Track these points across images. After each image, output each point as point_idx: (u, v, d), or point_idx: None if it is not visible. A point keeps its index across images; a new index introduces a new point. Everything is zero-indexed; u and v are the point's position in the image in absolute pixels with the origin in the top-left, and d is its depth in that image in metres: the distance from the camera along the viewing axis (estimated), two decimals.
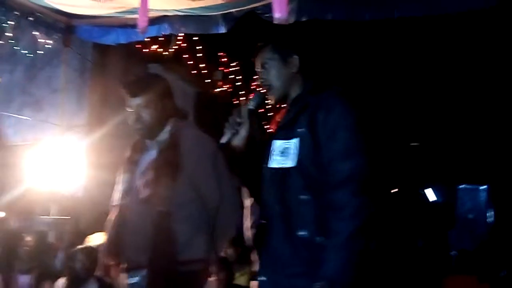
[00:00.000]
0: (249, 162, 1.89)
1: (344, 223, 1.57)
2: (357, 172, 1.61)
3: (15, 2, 4.35)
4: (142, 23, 3.19)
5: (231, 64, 8.20)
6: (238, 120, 1.84)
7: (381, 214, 1.75)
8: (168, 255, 2.04)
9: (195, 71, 7.42)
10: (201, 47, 7.32)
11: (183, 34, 5.62)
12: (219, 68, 8.13)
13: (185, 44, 6.96)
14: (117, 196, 2.26)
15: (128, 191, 2.21)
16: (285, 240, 1.70)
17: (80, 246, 4.67)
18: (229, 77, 8.25)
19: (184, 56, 7.15)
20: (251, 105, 1.87)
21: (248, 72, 8.35)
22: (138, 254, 2.09)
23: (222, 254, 4.83)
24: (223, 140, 1.86)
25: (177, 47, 6.78)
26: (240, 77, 8.35)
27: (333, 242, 1.58)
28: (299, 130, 1.72)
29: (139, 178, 2.17)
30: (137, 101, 2.17)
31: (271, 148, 1.80)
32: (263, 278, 1.80)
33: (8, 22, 4.36)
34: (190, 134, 2.21)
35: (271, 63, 1.84)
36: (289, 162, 1.71)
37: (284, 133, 1.78)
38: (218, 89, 8.15)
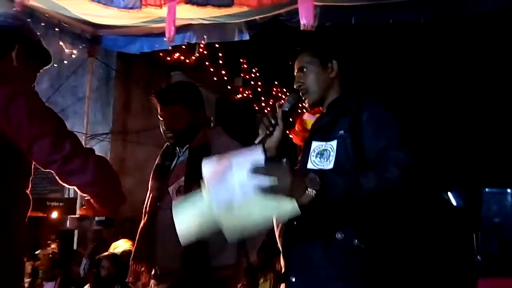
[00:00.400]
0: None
1: (381, 178, 1.51)
2: (410, 160, 1.54)
3: (42, 14, 4.43)
4: (170, 32, 3.23)
5: (252, 71, 8.23)
6: (273, 121, 1.81)
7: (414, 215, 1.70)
8: (200, 261, 2.04)
9: (216, 78, 7.45)
10: (221, 54, 7.37)
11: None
12: (240, 75, 8.17)
13: (206, 52, 7.01)
14: (148, 202, 2.28)
15: (160, 197, 2.23)
16: (320, 243, 1.67)
17: (104, 253, 4.72)
18: (250, 83, 8.28)
19: (205, 63, 7.20)
20: (286, 107, 1.83)
21: (268, 78, 8.38)
22: (170, 260, 2.10)
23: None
24: (256, 141, 1.82)
25: (198, 54, 6.84)
26: (260, 83, 8.37)
27: (359, 177, 1.52)
28: (339, 132, 1.69)
29: (171, 184, 2.19)
30: (168, 109, 2.20)
31: (309, 150, 1.77)
32: (292, 279, 1.76)
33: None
34: (221, 141, 2.23)
35: (310, 67, 1.82)
36: (328, 164, 1.68)
37: (322, 135, 1.75)
38: (238, 96, 8.18)
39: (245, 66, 8.08)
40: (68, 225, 2.00)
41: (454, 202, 11.17)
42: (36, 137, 1.54)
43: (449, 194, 11.17)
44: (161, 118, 2.24)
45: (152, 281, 2.23)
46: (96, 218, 1.85)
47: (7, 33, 1.68)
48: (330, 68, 1.81)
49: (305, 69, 1.83)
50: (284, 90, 8.63)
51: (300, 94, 1.85)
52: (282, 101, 1.90)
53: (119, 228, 5.75)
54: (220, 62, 7.39)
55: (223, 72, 7.48)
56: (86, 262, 4.95)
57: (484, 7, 3.48)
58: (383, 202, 1.54)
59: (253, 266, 4.68)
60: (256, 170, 1.44)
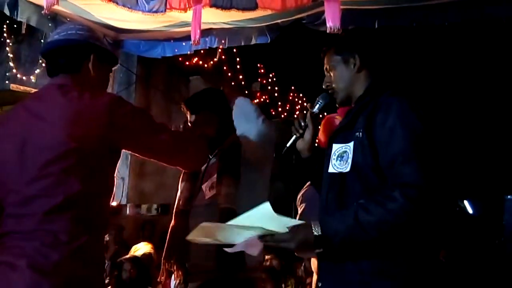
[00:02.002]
0: (313, 166, 1.87)
1: (382, 211, 1.49)
2: (418, 178, 1.51)
3: (65, 18, 4.46)
4: (195, 34, 3.26)
5: (269, 75, 8.25)
6: (302, 124, 1.82)
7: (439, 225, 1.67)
8: (234, 261, 2.04)
9: (234, 83, 7.49)
10: (239, 59, 7.40)
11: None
12: (257, 80, 8.20)
13: (224, 56, 7.05)
14: (179, 203, 2.31)
15: (191, 198, 2.25)
16: None
17: (126, 256, 4.73)
18: (267, 88, 8.29)
19: (223, 68, 7.25)
20: (315, 109, 1.84)
21: (285, 83, 8.39)
22: (203, 258, 2.11)
23: (271, 264, 4.82)
24: (288, 144, 1.84)
25: (216, 59, 6.88)
26: (277, 88, 8.39)
27: (359, 214, 1.51)
28: (356, 133, 1.66)
29: (203, 183, 2.22)
30: (198, 116, 2.25)
31: (330, 153, 1.74)
32: (319, 284, 1.75)
33: None
34: (251, 144, 2.25)
35: (333, 66, 1.81)
36: (347, 166, 1.65)
37: (343, 136, 1.72)
38: (256, 101, 8.20)
39: (263, 71, 8.10)
40: (128, 213, 2.07)
41: (470, 210, 11.05)
42: (146, 133, 1.76)
43: (465, 202, 11.03)
44: (191, 126, 2.29)
45: (183, 281, 2.24)
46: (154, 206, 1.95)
47: (82, 45, 1.77)
48: (353, 64, 1.78)
49: (330, 69, 1.82)
50: (301, 95, 8.64)
51: (330, 93, 1.84)
52: (305, 104, 1.90)
53: (139, 231, 5.77)
54: (238, 67, 7.42)
55: (241, 77, 7.52)
56: (107, 265, 4.96)
57: (510, 10, 3.45)
58: (392, 233, 1.52)
59: (276, 270, 4.67)
60: (264, 239, 1.56)
